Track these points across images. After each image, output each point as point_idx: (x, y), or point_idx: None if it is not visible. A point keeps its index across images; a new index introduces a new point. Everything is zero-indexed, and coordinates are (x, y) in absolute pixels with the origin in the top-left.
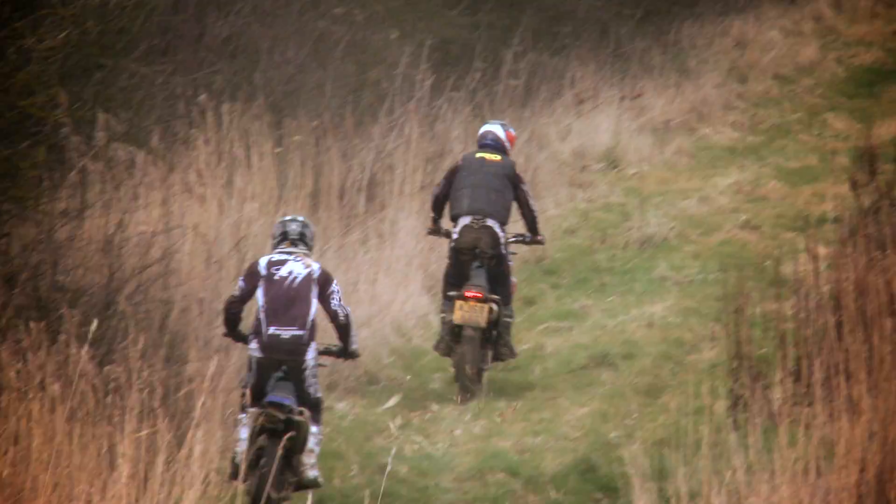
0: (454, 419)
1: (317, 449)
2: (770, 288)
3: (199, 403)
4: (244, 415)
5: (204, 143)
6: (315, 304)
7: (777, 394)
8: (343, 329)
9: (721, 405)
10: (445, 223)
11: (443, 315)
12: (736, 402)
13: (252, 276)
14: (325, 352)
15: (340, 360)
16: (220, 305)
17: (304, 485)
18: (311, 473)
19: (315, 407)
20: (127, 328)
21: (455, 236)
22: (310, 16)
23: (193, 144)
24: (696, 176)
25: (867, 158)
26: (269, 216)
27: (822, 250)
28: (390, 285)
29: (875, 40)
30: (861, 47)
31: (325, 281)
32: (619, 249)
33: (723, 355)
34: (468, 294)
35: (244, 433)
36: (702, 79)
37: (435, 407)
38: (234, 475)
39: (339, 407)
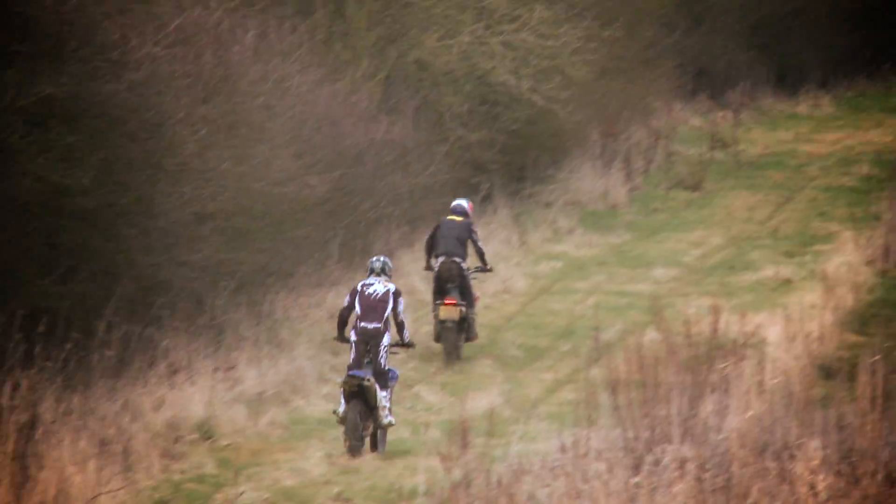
0: None
1: (387, 404)
2: None
3: None
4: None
5: None
6: (389, 310)
7: None
8: (400, 326)
9: None
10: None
11: (434, 314)
12: None
13: (353, 293)
14: (394, 344)
15: (403, 349)
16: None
17: (381, 426)
18: (385, 420)
19: (383, 375)
20: None
21: (437, 268)
22: None
23: None
24: (290, 447)
25: (459, 431)
26: None
27: None
28: None
29: None
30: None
31: (397, 295)
32: None
33: None
34: (447, 301)
35: (342, 396)
36: (296, 350)
37: None
38: (339, 421)
39: None
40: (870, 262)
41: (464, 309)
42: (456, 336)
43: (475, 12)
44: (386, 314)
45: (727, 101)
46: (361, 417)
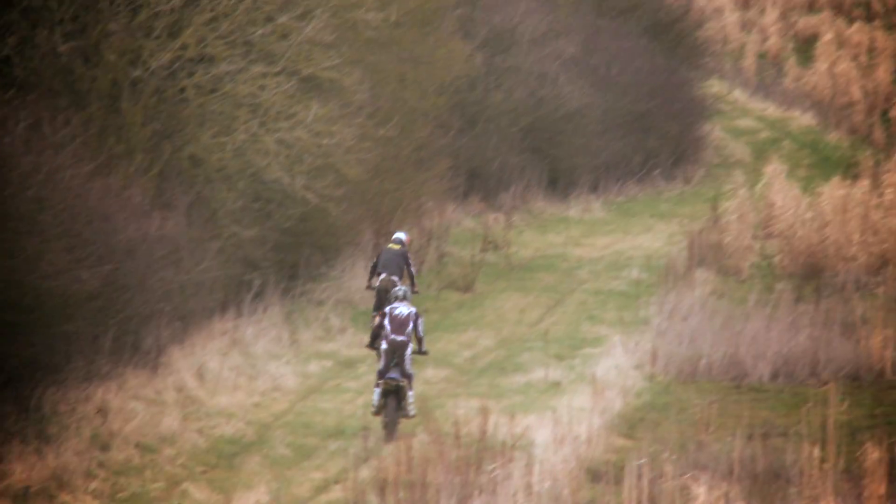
0: None
1: (412, 399)
2: None
3: None
4: (377, 384)
5: None
6: (411, 327)
7: None
8: (420, 340)
9: None
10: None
11: (371, 323)
12: None
13: (383, 316)
14: (414, 352)
15: (421, 355)
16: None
17: (407, 416)
18: (412, 412)
19: (410, 377)
20: None
21: (377, 284)
22: None
23: None
24: None
25: None
26: None
27: None
28: None
29: (236, 412)
30: (222, 418)
31: (416, 316)
32: None
33: None
34: (381, 312)
35: (377, 393)
36: (63, 445)
37: None
38: (374, 413)
39: None
40: (638, 366)
41: None
42: None
43: (250, 109)
44: (409, 330)
45: (499, 204)
46: (395, 409)
